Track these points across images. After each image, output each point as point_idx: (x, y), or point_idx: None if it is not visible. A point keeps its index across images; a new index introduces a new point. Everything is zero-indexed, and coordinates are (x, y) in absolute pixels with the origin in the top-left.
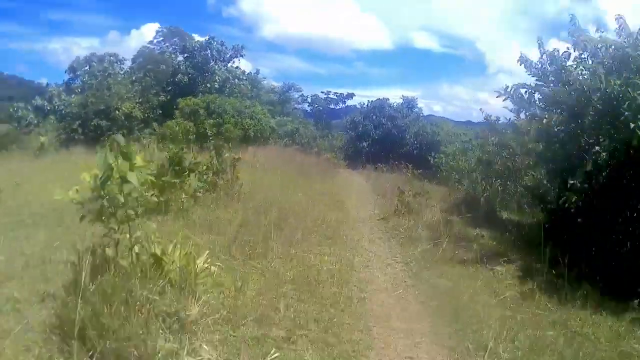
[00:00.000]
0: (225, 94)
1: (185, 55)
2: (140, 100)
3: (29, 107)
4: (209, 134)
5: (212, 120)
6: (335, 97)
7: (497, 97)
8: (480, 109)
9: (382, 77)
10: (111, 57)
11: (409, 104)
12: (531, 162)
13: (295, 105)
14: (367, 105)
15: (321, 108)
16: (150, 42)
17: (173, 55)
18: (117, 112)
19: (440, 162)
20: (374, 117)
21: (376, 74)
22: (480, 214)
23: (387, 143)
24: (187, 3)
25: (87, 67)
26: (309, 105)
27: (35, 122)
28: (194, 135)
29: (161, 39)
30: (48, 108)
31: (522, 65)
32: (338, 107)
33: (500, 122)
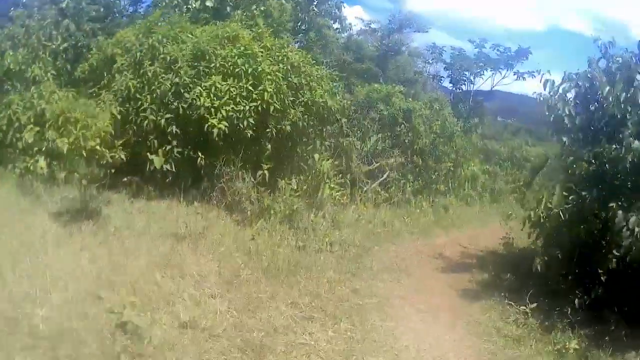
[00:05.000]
0: (226, 19)
1: None
2: (54, 46)
3: None
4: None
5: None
6: (497, 53)
7: None
8: None
9: (532, 60)
10: None
11: None
12: None
13: (420, 64)
14: None
15: (468, 74)
16: None
17: None
18: None
19: None
20: None
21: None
22: None
23: None
24: None
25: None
26: (446, 69)
27: None
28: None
29: None
30: None
31: None
32: (500, 79)
33: None
